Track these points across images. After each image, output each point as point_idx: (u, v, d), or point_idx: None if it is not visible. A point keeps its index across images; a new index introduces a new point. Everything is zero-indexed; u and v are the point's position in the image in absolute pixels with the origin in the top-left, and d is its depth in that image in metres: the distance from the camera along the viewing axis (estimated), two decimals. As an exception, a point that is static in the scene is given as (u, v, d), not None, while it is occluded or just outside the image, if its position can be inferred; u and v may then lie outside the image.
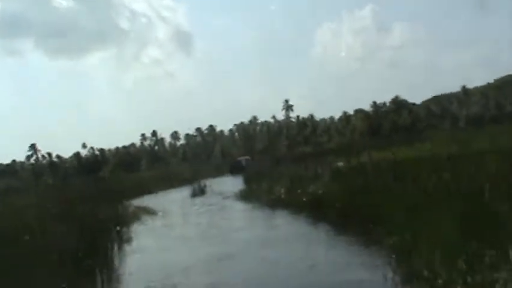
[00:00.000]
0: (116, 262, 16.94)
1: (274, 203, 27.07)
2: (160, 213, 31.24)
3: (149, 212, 32.15)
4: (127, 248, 19.83)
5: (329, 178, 25.08)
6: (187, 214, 30.13)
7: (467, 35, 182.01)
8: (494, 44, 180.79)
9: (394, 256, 12.18)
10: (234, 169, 70.45)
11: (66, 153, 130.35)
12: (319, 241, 17.31)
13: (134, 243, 20.64)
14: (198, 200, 38.37)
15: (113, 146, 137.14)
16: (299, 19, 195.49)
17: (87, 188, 46.80)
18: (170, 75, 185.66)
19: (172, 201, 40.19)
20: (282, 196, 27.29)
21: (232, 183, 47.05)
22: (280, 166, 47.41)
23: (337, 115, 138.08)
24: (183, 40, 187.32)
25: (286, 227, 20.86)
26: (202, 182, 46.75)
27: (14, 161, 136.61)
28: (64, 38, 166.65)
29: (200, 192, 42.19)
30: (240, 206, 30.30)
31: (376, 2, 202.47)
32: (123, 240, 21.18)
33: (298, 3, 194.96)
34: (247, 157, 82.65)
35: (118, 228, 22.65)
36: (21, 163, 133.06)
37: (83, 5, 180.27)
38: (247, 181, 42.23)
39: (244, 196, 33.39)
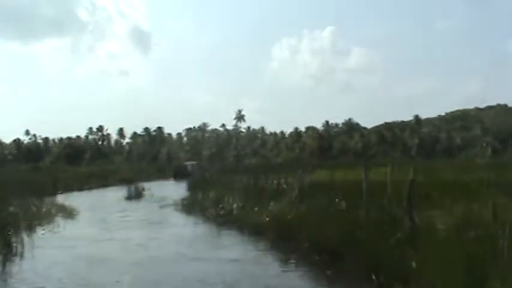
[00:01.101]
0: None
1: (223, 220, 21.09)
2: (80, 216, 24.89)
3: (68, 212, 25.87)
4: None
5: (296, 196, 19.03)
6: (112, 222, 23.57)
7: (423, 66, 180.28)
8: (447, 77, 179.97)
9: None
10: (179, 174, 63.67)
11: (9, 139, 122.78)
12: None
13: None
14: (132, 204, 32.09)
15: (57, 136, 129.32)
16: (260, 31, 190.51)
17: (16, 177, 40.96)
18: (124, 72, 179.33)
19: (102, 202, 33.89)
20: (234, 212, 21.35)
21: (175, 189, 41.60)
22: (228, 175, 41.42)
23: (288, 130, 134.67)
24: (140, 39, 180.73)
25: (245, 259, 13.94)
26: (142, 184, 40.59)
27: None
28: (20, 22, 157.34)
29: (136, 195, 35.82)
30: (179, 219, 23.93)
31: (337, 24, 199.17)
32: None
33: (262, 15, 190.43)
34: (193, 162, 75.93)
35: (10, 231, 16.32)
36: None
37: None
38: (192, 188, 36.64)
39: (187, 206, 27.28)
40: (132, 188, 36.52)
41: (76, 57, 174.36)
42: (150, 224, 22.58)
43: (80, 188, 44.87)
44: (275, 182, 24.26)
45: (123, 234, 19.32)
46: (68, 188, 43.08)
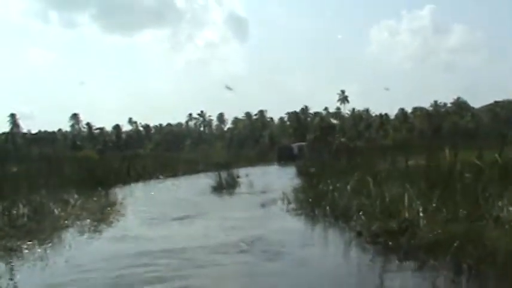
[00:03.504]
0: None
1: (402, 241, 8.95)
2: (119, 224, 13.81)
3: (106, 214, 15.21)
4: None
5: None
6: (169, 240, 11.73)
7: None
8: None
9: None
10: (283, 156, 51.86)
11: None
12: None
13: None
14: (219, 199, 20.79)
15: (159, 123, 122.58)
16: (357, 14, 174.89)
17: (105, 163, 35.63)
18: (222, 59, 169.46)
19: (176, 195, 22.79)
20: (421, 224, 9.19)
21: (280, 175, 30.91)
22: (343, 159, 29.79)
23: (392, 112, 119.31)
24: (237, 25, 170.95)
25: None
26: (239, 170, 29.22)
27: (60, 130, 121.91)
28: (120, 14, 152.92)
29: (229, 184, 24.27)
30: (303, 236, 11.67)
31: (436, 3, 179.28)
32: None
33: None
34: (300, 143, 63.38)
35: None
36: (65, 132, 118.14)
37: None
38: (303, 174, 25.69)
39: (306, 204, 15.27)
40: (224, 174, 24.99)
41: (175, 46, 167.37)
42: (247, 254, 9.84)
43: (163, 175, 34.36)
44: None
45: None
46: (148, 176, 32.88)
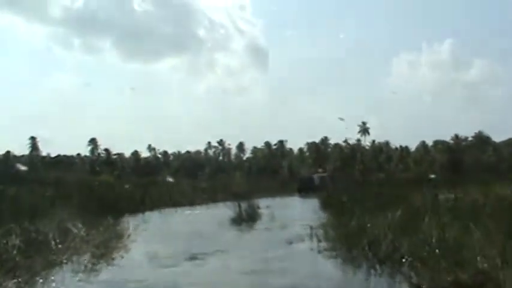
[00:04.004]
0: None
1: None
2: (123, 261, 11.70)
3: (111, 248, 13.01)
4: None
5: None
6: (185, 286, 9.74)
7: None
8: None
9: None
10: (304, 187, 49.42)
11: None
12: None
13: None
14: (239, 233, 18.67)
15: (177, 150, 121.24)
16: (377, 45, 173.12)
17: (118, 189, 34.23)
18: (242, 88, 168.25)
19: (192, 227, 20.67)
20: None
21: (302, 208, 29.27)
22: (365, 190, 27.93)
23: (412, 145, 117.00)
24: (258, 54, 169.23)
25: None
26: (259, 200, 27.23)
27: (78, 154, 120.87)
28: (141, 41, 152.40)
29: (249, 216, 22.16)
30: (339, 281, 9.73)
31: (455, 37, 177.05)
32: None
33: (378, 30, 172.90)
34: (322, 173, 60.86)
35: None
36: (84, 157, 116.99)
37: (162, 10, 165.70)
38: (329, 206, 23.54)
39: (338, 241, 13.17)
40: (244, 205, 22.89)
41: (194, 74, 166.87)
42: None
43: (179, 204, 32.29)
44: None
45: None
46: (163, 205, 30.85)
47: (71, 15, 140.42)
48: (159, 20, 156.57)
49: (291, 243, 14.48)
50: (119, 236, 15.56)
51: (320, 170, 62.99)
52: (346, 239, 12.88)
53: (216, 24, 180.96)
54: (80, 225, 15.26)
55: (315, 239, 14.17)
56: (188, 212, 28.75)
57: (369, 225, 12.96)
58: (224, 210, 23.54)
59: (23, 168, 75.40)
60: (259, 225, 20.41)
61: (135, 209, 26.63)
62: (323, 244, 13.51)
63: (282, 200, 38.51)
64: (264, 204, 27.17)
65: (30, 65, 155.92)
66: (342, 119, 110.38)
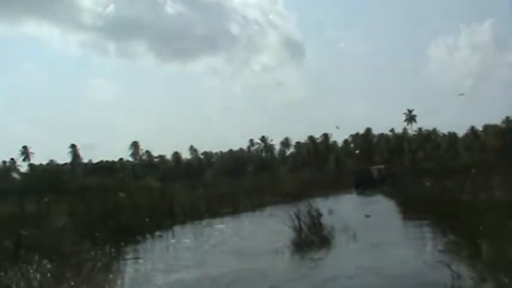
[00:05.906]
0: None
1: None
2: None
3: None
4: None
5: None
6: None
7: None
8: None
9: None
10: (362, 182, 42.09)
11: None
12: None
13: None
14: (314, 264, 11.79)
15: (219, 150, 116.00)
16: (413, 32, 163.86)
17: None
18: (279, 83, 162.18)
19: (243, 253, 13.93)
20: None
21: (376, 210, 21.84)
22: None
23: (459, 131, 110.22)
24: (293, 49, 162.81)
25: None
26: (314, 202, 20.26)
27: (121, 159, 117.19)
28: (175, 42, 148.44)
29: (315, 234, 15.37)
30: None
31: (496, 16, 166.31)
32: None
33: (413, 15, 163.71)
34: (379, 166, 52.90)
35: None
36: (126, 161, 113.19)
37: (195, 10, 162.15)
38: (414, 209, 17.97)
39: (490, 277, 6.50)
40: (303, 215, 16.12)
41: (231, 72, 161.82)
42: None
43: (219, 213, 25.85)
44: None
45: None
46: (198, 215, 24.47)
47: (104, 21, 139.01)
48: (193, 20, 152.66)
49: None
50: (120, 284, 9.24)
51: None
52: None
53: (249, 21, 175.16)
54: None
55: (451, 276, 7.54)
56: (231, 223, 22.39)
57: None
58: (275, 221, 17.16)
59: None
60: (338, 252, 13.49)
61: (162, 224, 20.39)
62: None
63: (341, 200, 31.80)
64: (324, 207, 20.17)
65: (65, 72, 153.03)
66: (337, 128, 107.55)
